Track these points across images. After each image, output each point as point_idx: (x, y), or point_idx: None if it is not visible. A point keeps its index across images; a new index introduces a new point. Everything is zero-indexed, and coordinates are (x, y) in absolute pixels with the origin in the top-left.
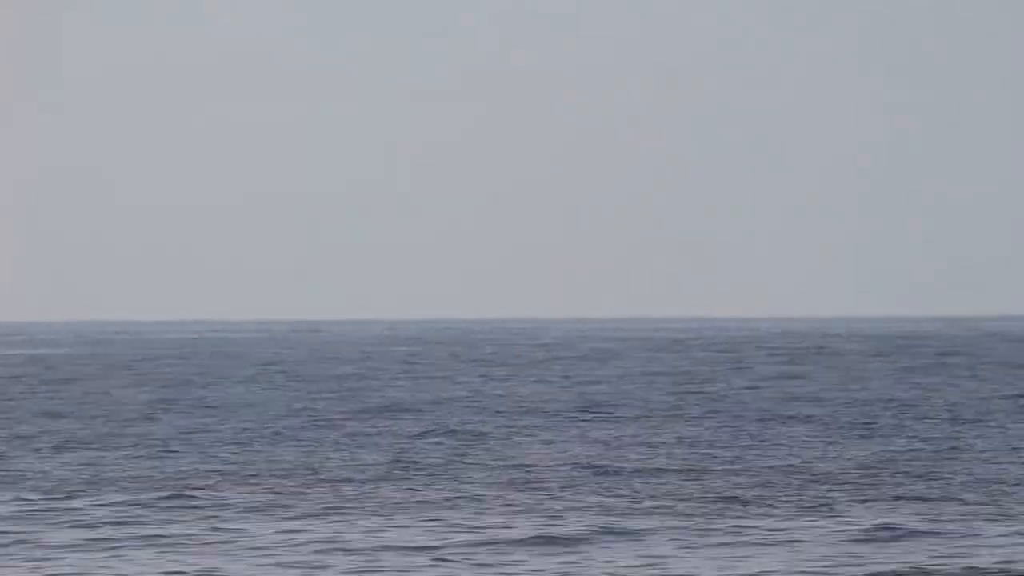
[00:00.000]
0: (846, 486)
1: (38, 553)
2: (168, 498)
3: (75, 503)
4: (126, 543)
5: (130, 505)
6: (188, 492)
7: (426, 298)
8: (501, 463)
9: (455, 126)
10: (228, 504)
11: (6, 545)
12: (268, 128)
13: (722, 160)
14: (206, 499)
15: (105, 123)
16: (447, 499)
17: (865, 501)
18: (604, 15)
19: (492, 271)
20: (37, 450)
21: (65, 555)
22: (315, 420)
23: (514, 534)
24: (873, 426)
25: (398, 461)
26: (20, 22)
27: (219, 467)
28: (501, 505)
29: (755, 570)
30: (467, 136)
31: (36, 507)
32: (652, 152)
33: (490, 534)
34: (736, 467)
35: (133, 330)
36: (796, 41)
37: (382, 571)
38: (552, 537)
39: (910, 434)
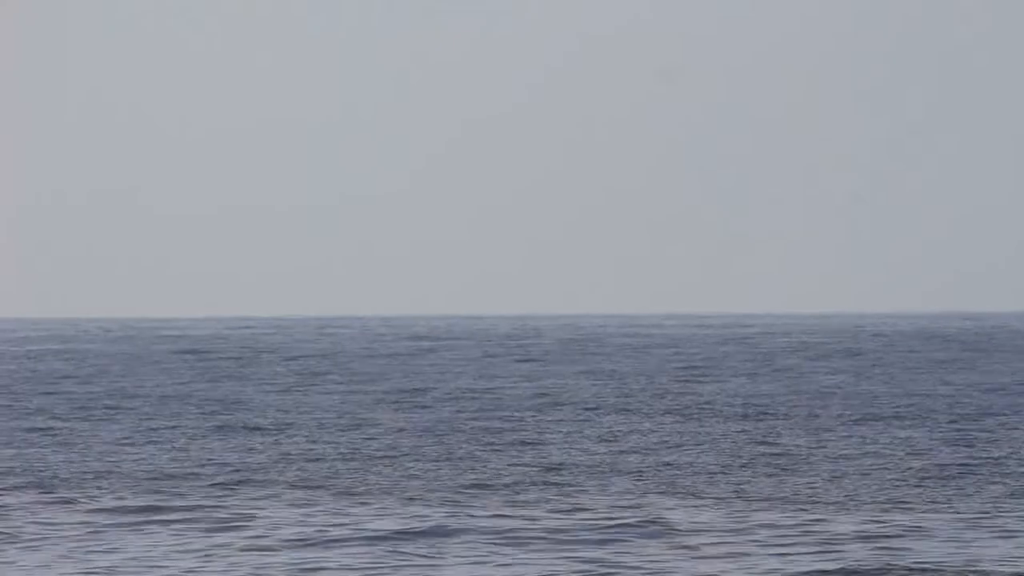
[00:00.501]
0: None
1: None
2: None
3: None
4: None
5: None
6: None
7: (420, 296)
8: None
9: (457, 124)
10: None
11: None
12: (267, 129)
13: (722, 157)
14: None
15: (109, 128)
16: (476, 488)
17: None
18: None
19: (495, 269)
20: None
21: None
22: (350, 412)
23: (546, 525)
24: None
25: (430, 451)
26: (21, 24)
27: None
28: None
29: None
30: (468, 134)
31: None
32: (653, 148)
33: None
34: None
35: (125, 326)
36: (800, 37)
37: (409, 561)
38: (565, 530)
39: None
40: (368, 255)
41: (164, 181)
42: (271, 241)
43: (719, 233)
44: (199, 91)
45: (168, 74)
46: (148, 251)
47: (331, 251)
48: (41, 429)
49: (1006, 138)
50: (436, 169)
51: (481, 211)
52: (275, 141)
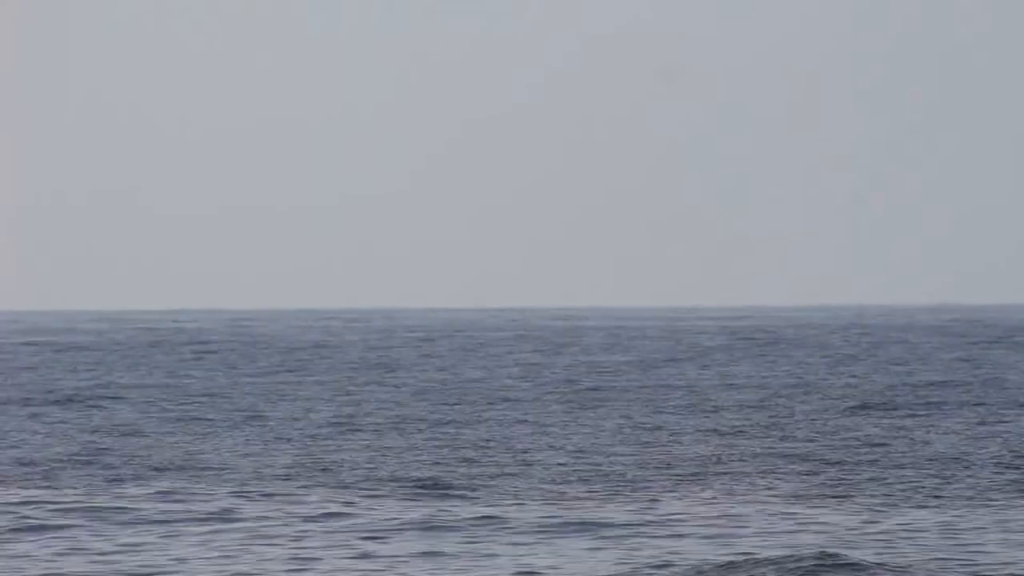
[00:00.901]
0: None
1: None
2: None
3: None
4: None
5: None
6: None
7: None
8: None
9: (457, 124)
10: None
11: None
12: (267, 129)
13: (722, 157)
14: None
15: (109, 128)
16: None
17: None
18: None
19: (496, 269)
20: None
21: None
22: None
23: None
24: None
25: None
26: (21, 24)
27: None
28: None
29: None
30: (468, 134)
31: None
32: (653, 148)
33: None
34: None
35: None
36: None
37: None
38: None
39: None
40: (368, 255)
41: (164, 181)
42: (271, 241)
43: (719, 233)
44: (199, 91)
45: (168, 74)
46: (148, 251)
47: (331, 251)
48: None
49: (1006, 138)
50: (436, 169)
51: (481, 211)
52: (275, 141)
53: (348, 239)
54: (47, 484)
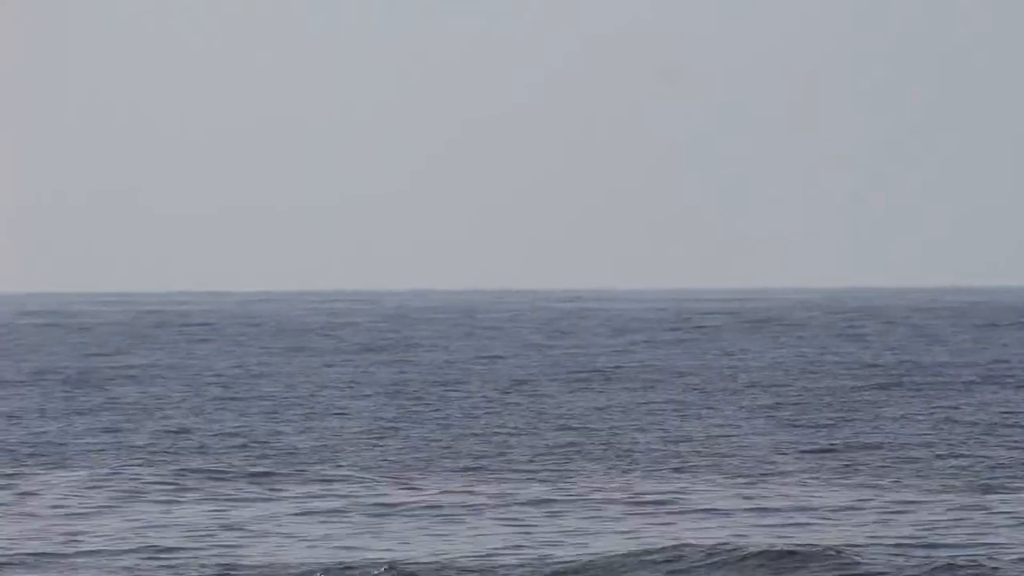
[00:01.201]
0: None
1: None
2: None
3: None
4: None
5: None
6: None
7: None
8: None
9: (457, 124)
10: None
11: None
12: (267, 129)
13: (722, 157)
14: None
15: (109, 128)
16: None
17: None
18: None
19: (495, 269)
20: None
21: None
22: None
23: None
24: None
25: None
26: (21, 24)
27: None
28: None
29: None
30: (468, 134)
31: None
32: (653, 148)
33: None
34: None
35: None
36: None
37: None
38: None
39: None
40: (368, 255)
41: (164, 181)
42: (271, 241)
43: (719, 233)
44: (199, 91)
45: (168, 74)
46: (148, 251)
47: (331, 251)
48: None
49: (1006, 138)
50: (436, 169)
51: (481, 211)
52: (275, 141)
53: (348, 239)
54: (54, 461)
